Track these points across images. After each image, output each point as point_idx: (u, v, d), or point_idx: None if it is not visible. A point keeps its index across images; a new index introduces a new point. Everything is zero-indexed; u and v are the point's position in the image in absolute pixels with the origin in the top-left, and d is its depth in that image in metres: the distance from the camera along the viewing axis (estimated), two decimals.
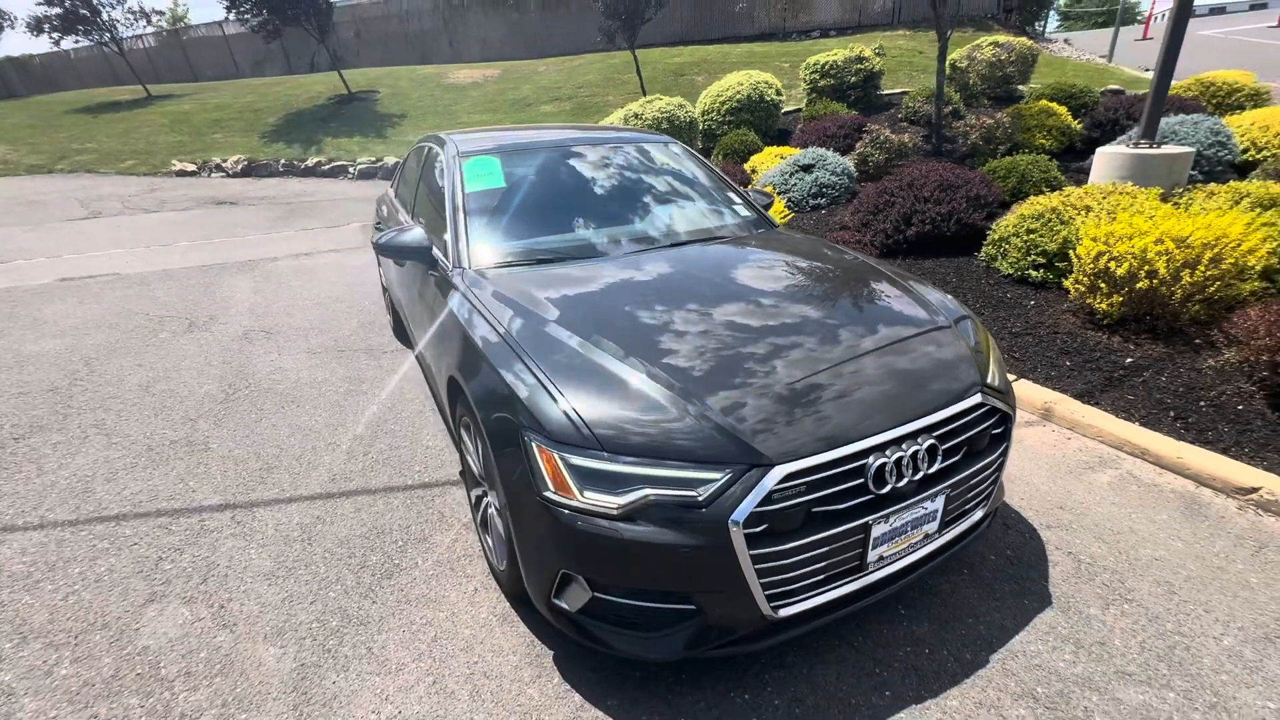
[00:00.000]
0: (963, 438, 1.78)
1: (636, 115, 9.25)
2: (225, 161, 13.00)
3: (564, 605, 1.71)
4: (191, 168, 13.01)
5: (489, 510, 2.17)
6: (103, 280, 6.39)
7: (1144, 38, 21.39)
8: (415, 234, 2.57)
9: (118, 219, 9.62)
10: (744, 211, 3.11)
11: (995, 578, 2.17)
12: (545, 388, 1.70)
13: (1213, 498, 2.52)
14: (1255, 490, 2.46)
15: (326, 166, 12.63)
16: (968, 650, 1.89)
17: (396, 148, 12.89)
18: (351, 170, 12.42)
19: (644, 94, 11.84)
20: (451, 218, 2.66)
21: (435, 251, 2.63)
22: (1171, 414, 2.94)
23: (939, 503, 1.74)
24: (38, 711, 1.80)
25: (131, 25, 20.64)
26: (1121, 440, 2.86)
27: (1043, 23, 21.95)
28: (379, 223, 4.28)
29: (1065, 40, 17.49)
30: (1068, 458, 2.85)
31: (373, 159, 12.48)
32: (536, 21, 19.67)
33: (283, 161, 12.99)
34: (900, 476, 1.64)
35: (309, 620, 2.10)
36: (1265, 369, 2.83)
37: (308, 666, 1.92)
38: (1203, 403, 2.95)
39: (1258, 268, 3.31)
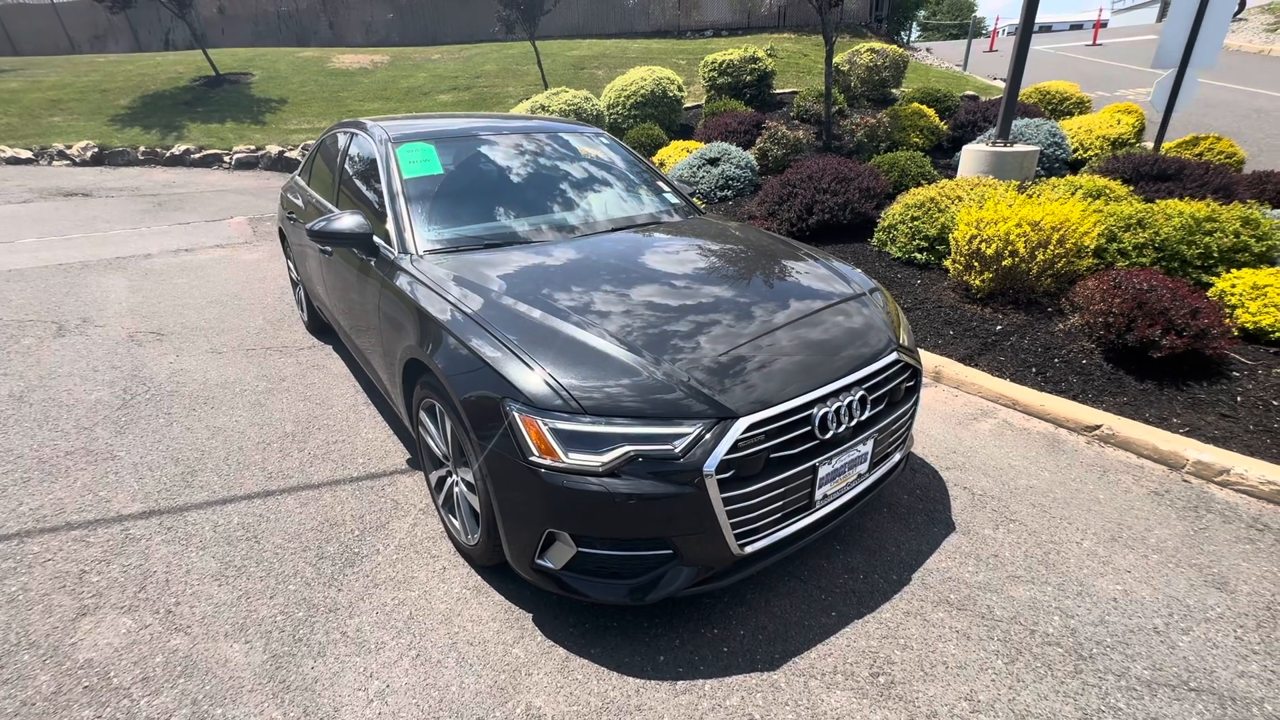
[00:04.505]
0: (885, 389, 2.07)
1: (543, 107, 9.23)
2: (70, 148, 11.45)
3: (548, 564, 1.83)
4: (26, 154, 11.34)
5: (455, 489, 2.22)
6: None
7: (990, 49, 24.03)
8: (353, 220, 2.52)
9: None
10: (674, 199, 3.31)
11: (909, 512, 2.52)
12: (521, 359, 1.80)
13: (1068, 435, 3.05)
14: (1098, 427, 3.01)
15: (197, 155, 11.47)
16: (893, 572, 2.21)
17: (279, 136, 11.97)
18: (228, 160, 11.38)
19: (545, 86, 11.81)
20: (391, 204, 2.64)
21: (376, 238, 2.60)
22: (1033, 370, 3.49)
23: (869, 446, 2.03)
24: None
25: None
26: (997, 394, 3.37)
27: (907, 32, 24.09)
28: (291, 214, 4.06)
29: (927, 49, 19.34)
30: (956, 411, 3.30)
31: (252, 147, 11.49)
32: (427, 7, 18.87)
33: (143, 149, 11.64)
34: (839, 424, 1.90)
35: (272, 614, 2.05)
36: (1101, 329, 3.43)
37: (281, 657, 1.89)
38: (1056, 360, 3.52)
39: (1092, 246, 3.97)
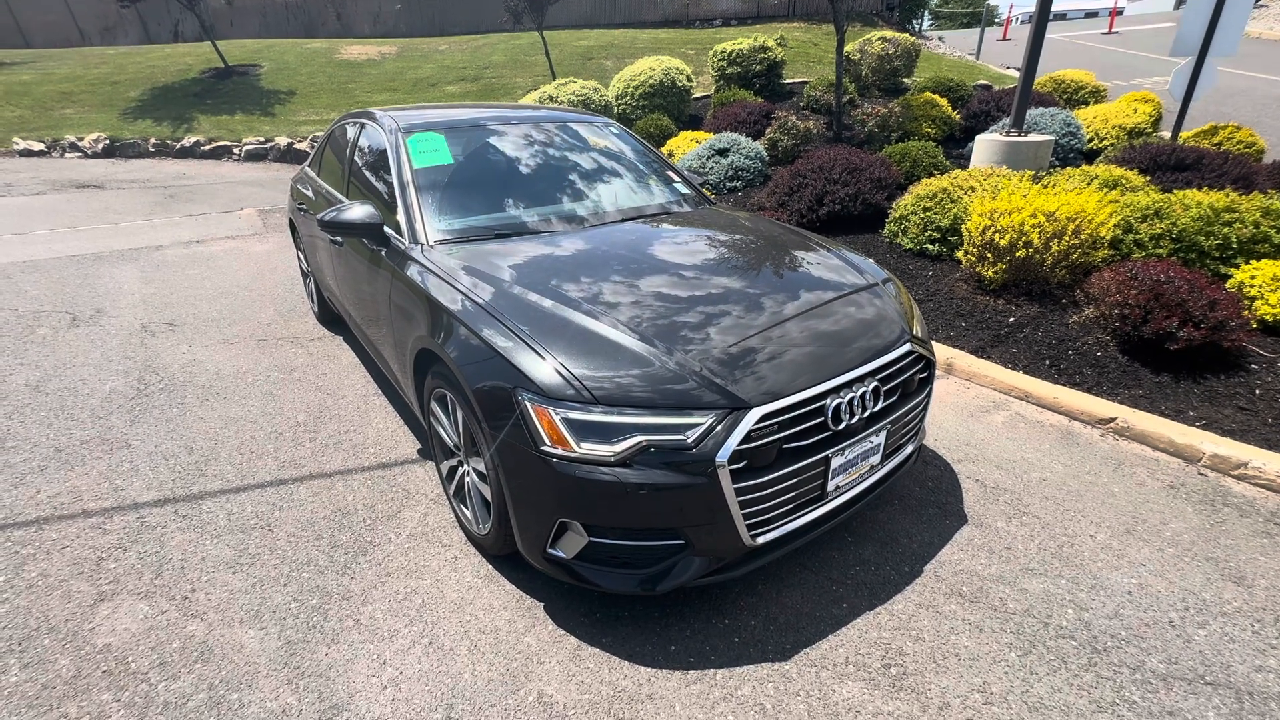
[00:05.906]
0: (898, 381, 2.06)
1: (551, 97, 9.19)
2: (82, 140, 11.52)
3: (560, 554, 1.83)
4: (39, 146, 11.42)
5: (466, 479, 2.22)
6: None
7: (1004, 38, 23.69)
8: (364, 210, 2.52)
9: None
10: (683, 189, 3.28)
11: (921, 504, 2.50)
12: (532, 348, 1.80)
13: (1082, 428, 3.02)
14: (1113, 420, 2.97)
15: (207, 147, 11.52)
16: (905, 564, 2.20)
17: (288, 127, 11.99)
18: (237, 151, 11.42)
19: (553, 76, 11.74)
20: (402, 194, 2.63)
21: (386, 228, 2.60)
22: (1047, 362, 3.46)
23: (881, 437, 2.01)
24: None
25: None
26: (1010, 386, 3.34)
27: (919, 21, 23.76)
28: (301, 205, 4.07)
29: (939, 38, 19.08)
30: (969, 403, 3.28)
31: (261, 139, 11.52)
32: None
33: (153, 141, 11.69)
34: (852, 415, 1.88)
35: (286, 601, 2.07)
36: (1116, 321, 3.39)
37: (295, 643, 1.91)
38: (1070, 352, 3.48)
39: (1107, 238, 3.92)
